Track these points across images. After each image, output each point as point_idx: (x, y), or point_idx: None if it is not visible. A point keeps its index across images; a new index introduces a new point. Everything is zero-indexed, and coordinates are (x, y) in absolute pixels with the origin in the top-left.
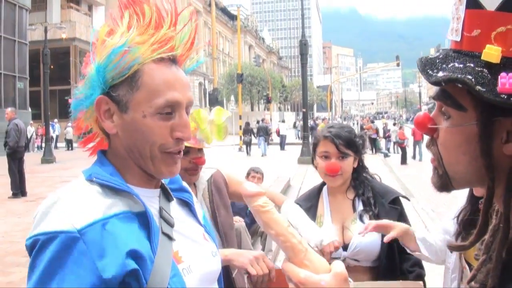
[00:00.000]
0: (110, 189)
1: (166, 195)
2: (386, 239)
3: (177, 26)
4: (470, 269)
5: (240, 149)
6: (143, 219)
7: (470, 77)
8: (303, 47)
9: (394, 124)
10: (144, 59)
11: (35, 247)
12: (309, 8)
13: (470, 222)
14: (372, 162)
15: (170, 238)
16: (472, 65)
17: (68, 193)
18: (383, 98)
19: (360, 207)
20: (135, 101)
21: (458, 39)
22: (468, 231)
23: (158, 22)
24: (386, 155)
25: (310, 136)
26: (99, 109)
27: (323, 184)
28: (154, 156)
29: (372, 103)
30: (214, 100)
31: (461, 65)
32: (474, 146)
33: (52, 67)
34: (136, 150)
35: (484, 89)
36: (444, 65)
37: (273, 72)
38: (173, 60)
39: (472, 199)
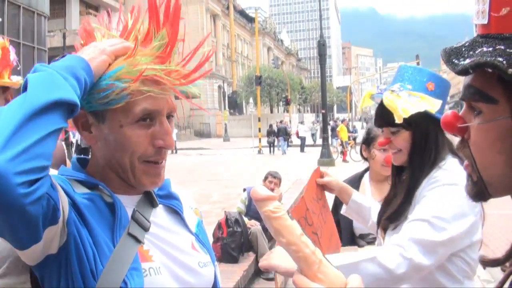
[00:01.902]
0: (79, 183)
1: (150, 200)
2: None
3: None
4: None
5: (259, 151)
6: (111, 208)
7: (501, 59)
8: (322, 47)
9: None
10: (134, 90)
11: None
12: (328, 8)
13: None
14: None
15: (137, 240)
16: (502, 47)
17: None
18: None
19: None
20: (111, 111)
21: (486, 21)
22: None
23: (165, 54)
24: None
25: (330, 137)
26: (76, 121)
27: (365, 171)
28: (134, 167)
29: None
30: (233, 102)
31: (490, 49)
32: (510, 143)
33: None
34: (115, 161)
35: None
36: (471, 52)
37: (292, 74)
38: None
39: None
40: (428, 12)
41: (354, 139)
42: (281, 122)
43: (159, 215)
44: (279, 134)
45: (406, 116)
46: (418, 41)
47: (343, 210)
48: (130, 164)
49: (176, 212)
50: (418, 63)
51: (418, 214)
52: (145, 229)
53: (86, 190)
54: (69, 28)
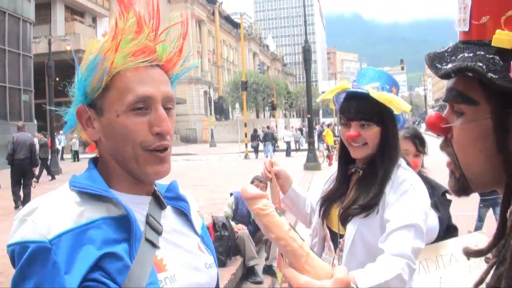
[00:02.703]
0: (90, 195)
1: (159, 202)
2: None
3: (160, 34)
4: (331, 234)
5: (246, 156)
6: (125, 223)
7: (481, 64)
8: (307, 53)
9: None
10: (117, 69)
11: (14, 256)
12: (313, 14)
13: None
14: None
15: (154, 245)
16: (482, 53)
17: (47, 201)
18: None
19: None
20: (107, 101)
21: (467, 28)
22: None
23: (140, 27)
24: None
25: (317, 142)
26: (81, 119)
27: None
28: (137, 156)
29: None
30: (219, 108)
31: (471, 54)
32: (490, 142)
33: (57, 79)
34: (119, 153)
35: (496, 76)
36: (453, 57)
37: (277, 79)
38: (153, 66)
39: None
40: (412, 17)
41: None
42: (268, 127)
43: (168, 217)
44: (266, 139)
45: (400, 112)
46: (403, 46)
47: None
48: (133, 153)
49: (183, 214)
50: (403, 68)
51: (405, 219)
52: (159, 233)
53: (95, 215)
54: (54, 34)
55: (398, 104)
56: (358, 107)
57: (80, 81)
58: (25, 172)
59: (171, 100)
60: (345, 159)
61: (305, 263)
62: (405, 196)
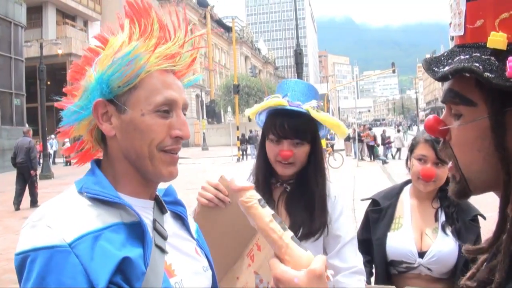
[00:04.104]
0: (101, 201)
1: (160, 207)
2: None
3: (184, 46)
4: None
5: (238, 160)
6: (137, 229)
7: (477, 64)
8: (298, 56)
9: (399, 131)
10: (150, 68)
11: (25, 264)
12: (304, 18)
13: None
14: (371, 169)
15: (162, 250)
16: (478, 54)
17: (58, 205)
18: (380, 105)
19: (442, 218)
20: (133, 100)
21: (462, 33)
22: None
23: (163, 34)
24: (384, 162)
25: None
26: (97, 112)
27: (405, 184)
28: (152, 156)
29: (369, 111)
30: (211, 111)
31: (467, 56)
32: (488, 141)
33: (48, 83)
34: (134, 152)
35: (492, 75)
36: (449, 60)
37: (269, 82)
38: (172, 72)
39: None
40: (403, 20)
41: (332, 146)
42: (250, 131)
43: (168, 222)
44: (250, 142)
45: (344, 136)
46: (394, 49)
47: None
48: (149, 152)
49: (180, 218)
50: (394, 71)
51: (349, 234)
52: (165, 238)
53: (110, 220)
54: (46, 38)
55: (344, 129)
56: (294, 126)
57: (100, 78)
58: (24, 174)
59: (187, 107)
60: (265, 174)
61: (285, 253)
62: (344, 211)
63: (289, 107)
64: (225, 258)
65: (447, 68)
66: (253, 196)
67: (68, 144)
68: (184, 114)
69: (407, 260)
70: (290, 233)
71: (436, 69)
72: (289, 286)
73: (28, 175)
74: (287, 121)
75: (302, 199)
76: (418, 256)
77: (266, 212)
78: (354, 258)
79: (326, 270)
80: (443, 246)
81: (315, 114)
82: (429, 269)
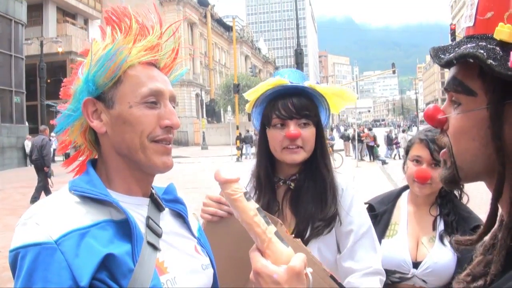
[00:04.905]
0: (91, 199)
1: (157, 205)
2: None
3: (162, 38)
4: None
5: (238, 159)
6: (126, 226)
7: (482, 51)
8: (299, 56)
9: (404, 131)
10: (132, 60)
11: (17, 260)
12: (305, 17)
13: None
14: (371, 169)
15: (155, 247)
16: (484, 43)
17: (48, 204)
18: (380, 106)
19: (441, 226)
20: (120, 93)
21: (471, 24)
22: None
23: (142, 31)
24: (384, 162)
25: None
26: (86, 110)
27: (403, 190)
28: (144, 147)
29: (369, 111)
30: (211, 111)
31: (473, 44)
32: (484, 131)
33: (48, 81)
34: (125, 145)
35: (495, 63)
36: (456, 49)
37: None
38: (156, 67)
39: None
40: (403, 21)
41: (332, 146)
42: (247, 131)
43: (166, 219)
44: (245, 142)
45: (354, 101)
46: (394, 50)
47: None
48: (140, 144)
49: (180, 216)
50: (394, 71)
51: (364, 226)
52: (158, 236)
53: (98, 217)
54: (46, 35)
55: (351, 95)
56: (299, 103)
57: (87, 77)
58: (38, 171)
59: (175, 99)
60: (267, 172)
61: (266, 247)
62: (354, 203)
63: (290, 84)
64: (238, 271)
65: (452, 54)
66: (239, 189)
67: (55, 140)
68: (174, 107)
69: (400, 269)
70: (273, 228)
71: (442, 56)
72: (268, 281)
73: (42, 171)
74: (290, 100)
75: (309, 191)
76: (412, 266)
77: (251, 206)
78: (369, 257)
79: (306, 268)
80: (439, 258)
81: (318, 88)
82: (424, 281)
